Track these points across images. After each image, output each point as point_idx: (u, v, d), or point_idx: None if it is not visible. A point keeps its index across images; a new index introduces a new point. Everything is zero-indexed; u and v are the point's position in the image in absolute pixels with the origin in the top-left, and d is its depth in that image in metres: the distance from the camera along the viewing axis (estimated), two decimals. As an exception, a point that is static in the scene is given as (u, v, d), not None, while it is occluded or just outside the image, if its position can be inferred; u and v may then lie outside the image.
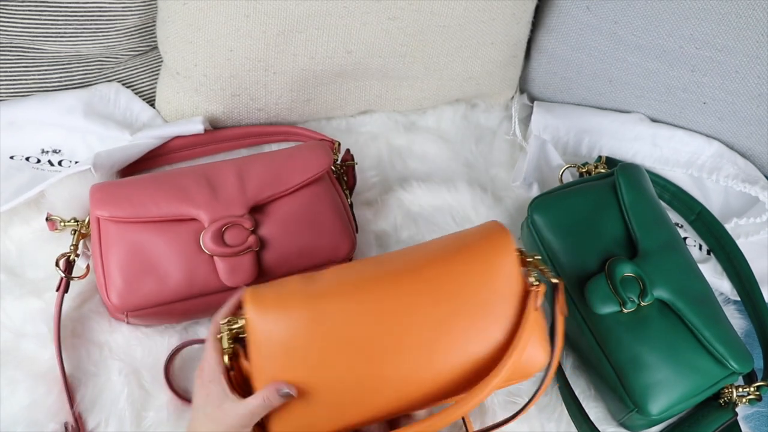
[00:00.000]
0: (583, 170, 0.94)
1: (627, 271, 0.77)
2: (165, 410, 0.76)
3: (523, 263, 0.65)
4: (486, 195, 0.95)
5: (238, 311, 0.65)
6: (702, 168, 0.99)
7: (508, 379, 0.63)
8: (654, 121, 1.02)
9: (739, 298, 0.91)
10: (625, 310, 0.76)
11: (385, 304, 0.62)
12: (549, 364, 0.66)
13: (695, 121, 1.00)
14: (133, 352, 0.78)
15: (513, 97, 1.06)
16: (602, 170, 0.92)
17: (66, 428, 0.74)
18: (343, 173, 0.89)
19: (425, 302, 0.62)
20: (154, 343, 0.79)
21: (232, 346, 0.62)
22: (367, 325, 0.61)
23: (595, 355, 0.78)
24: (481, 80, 1.01)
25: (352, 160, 0.90)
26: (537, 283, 0.64)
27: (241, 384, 0.63)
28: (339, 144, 0.90)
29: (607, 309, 0.76)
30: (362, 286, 0.62)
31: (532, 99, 1.06)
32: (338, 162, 0.90)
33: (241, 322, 0.62)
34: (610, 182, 0.86)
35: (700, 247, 0.95)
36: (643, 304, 0.76)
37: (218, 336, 0.62)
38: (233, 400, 0.59)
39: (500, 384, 0.62)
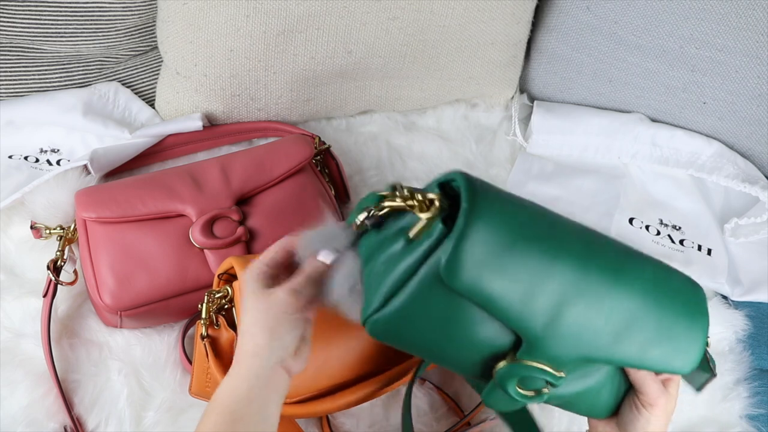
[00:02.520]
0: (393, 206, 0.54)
1: (516, 376, 0.56)
2: (165, 410, 0.76)
3: None
4: (486, 195, 0.95)
5: (220, 283, 0.70)
6: (702, 168, 0.99)
7: None
8: (654, 121, 1.02)
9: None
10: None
11: None
12: None
13: (695, 121, 1.00)
14: (132, 351, 0.78)
15: (513, 97, 1.06)
16: (428, 217, 0.52)
17: (65, 430, 0.74)
18: (324, 165, 0.91)
19: None
20: (153, 343, 0.79)
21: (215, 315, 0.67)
22: None
23: None
24: (481, 80, 1.01)
25: (325, 145, 0.92)
26: None
27: (217, 353, 0.68)
28: (318, 138, 0.92)
29: (518, 407, 0.59)
30: None
31: (532, 99, 1.06)
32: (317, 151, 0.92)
33: (223, 291, 0.67)
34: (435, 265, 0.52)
35: (699, 248, 0.94)
36: (563, 375, 0.56)
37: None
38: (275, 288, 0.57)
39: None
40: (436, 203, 0.51)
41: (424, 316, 0.53)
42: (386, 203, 0.53)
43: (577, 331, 0.54)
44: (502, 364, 0.55)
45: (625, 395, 0.62)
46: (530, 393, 0.57)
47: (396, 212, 0.54)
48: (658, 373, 0.60)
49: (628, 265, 0.56)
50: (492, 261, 0.50)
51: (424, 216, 0.50)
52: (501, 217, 0.51)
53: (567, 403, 0.62)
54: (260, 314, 0.56)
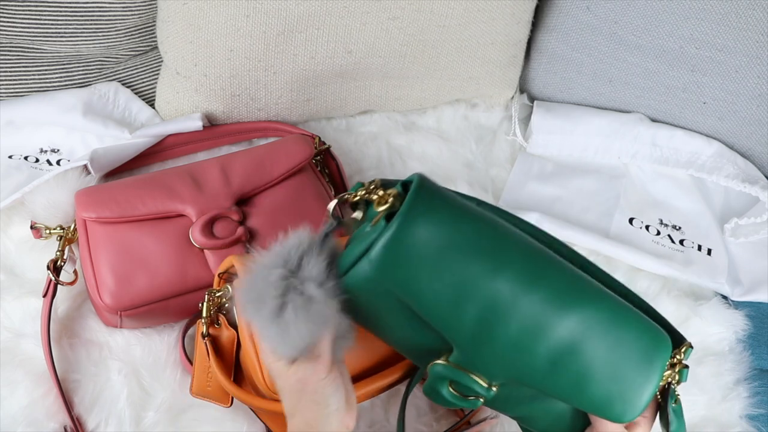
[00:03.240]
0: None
1: (447, 379, 0.57)
2: (165, 410, 0.76)
3: None
4: (487, 195, 0.95)
5: (220, 282, 0.71)
6: (702, 168, 0.99)
7: None
8: (654, 121, 1.02)
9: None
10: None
11: None
12: None
13: (695, 121, 1.00)
14: (132, 351, 0.78)
15: (513, 97, 1.06)
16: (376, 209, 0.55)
17: (65, 430, 0.74)
18: (324, 165, 0.91)
19: None
20: (153, 343, 0.79)
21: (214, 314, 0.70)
22: None
23: None
24: (481, 80, 1.01)
25: (325, 145, 0.92)
26: None
27: (218, 352, 0.70)
28: (318, 138, 0.92)
29: (461, 405, 0.59)
30: None
31: (532, 99, 1.06)
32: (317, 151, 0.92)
33: (224, 290, 0.69)
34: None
35: (699, 248, 0.94)
36: (494, 389, 0.57)
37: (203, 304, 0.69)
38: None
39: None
40: (390, 200, 0.53)
41: (367, 301, 0.55)
42: (359, 193, 0.55)
43: (509, 351, 0.54)
44: (436, 362, 0.57)
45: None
46: (463, 397, 0.57)
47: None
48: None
49: (579, 297, 0.54)
50: (422, 262, 0.52)
51: (379, 209, 0.53)
52: (440, 223, 0.53)
53: (526, 421, 0.62)
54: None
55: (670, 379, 0.57)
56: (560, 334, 0.53)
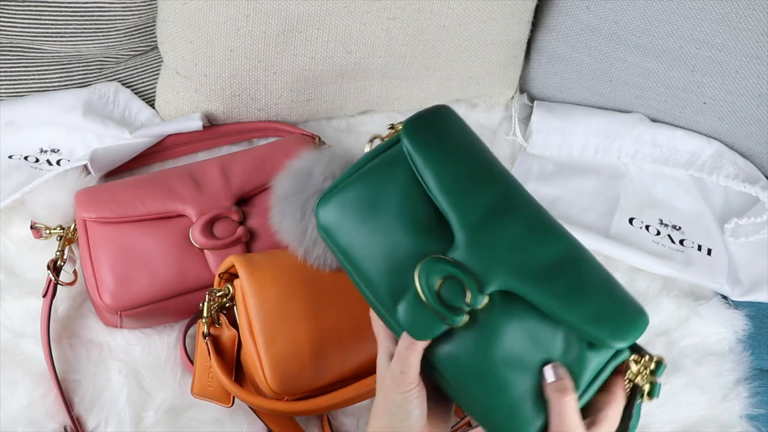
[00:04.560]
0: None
1: (440, 274, 0.54)
2: (165, 410, 0.76)
3: None
4: (486, 195, 0.95)
5: (220, 282, 0.73)
6: (702, 168, 0.99)
7: None
8: (654, 121, 1.02)
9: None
10: (457, 326, 0.55)
11: None
12: None
13: (695, 121, 1.00)
14: (132, 351, 0.78)
15: (513, 97, 1.06)
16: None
17: (65, 430, 0.74)
18: None
19: None
20: (153, 343, 0.79)
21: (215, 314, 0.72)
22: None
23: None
24: (481, 80, 1.01)
25: (325, 145, 0.92)
26: None
27: (219, 352, 0.72)
28: (318, 138, 0.92)
29: (433, 332, 0.55)
30: None
31: (532, 99, 1.06)
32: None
33: (225, 290, 0.71)
34: (400, 149, 0.60)
35: (699, 248, 0.94)
36: (478, 307, 0.54)
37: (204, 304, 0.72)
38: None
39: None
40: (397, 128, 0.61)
41: (381, 183, 0.59)
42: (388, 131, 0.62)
43: (510, 242, 0.55)
44: (433, 255, 0.55)
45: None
46: (448, 308, 0.54)
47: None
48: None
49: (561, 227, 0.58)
50: (450, 137, 0.59)
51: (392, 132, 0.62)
52: (461, 125, 0.62)
53: (479, 412, 0.56)
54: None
55: (640, 379, 0.56)
56: (563, 244, 0.56)
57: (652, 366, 0.55)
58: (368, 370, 0.71)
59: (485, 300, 0.55)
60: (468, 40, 0.94)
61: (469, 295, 0.54)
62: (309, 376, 0.69)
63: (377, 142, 0.61)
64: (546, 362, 0.54)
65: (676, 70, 0.96)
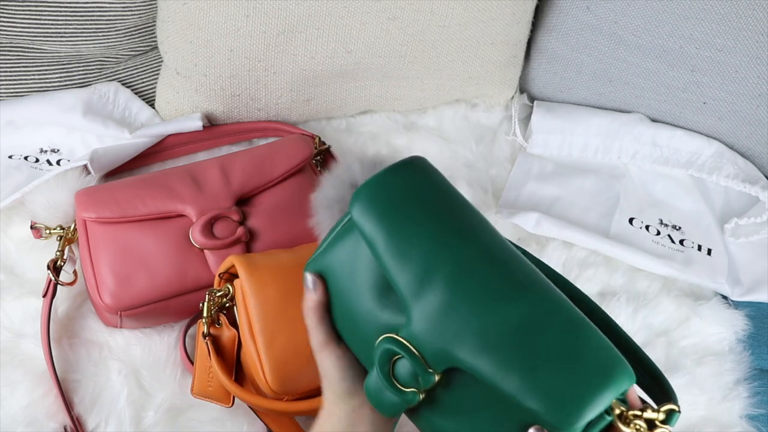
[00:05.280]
0: None
1: (391, 354, 0.52)
2: (165, 410, 0.76)
3: None
4: (487, 195, 0.95)
5: (221, 282, 0.73)
6: (702, 168, 0.99)
7: None
8: (654, 121, 1.02)
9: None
10: (420, 402, 0.52)
11: None
12: None
13: (695, 121, 1.00)
14: (132, 351, 0.78)
15: (513, 97, 1.06)
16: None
17: (65, 430, 0.74)
18: (324, 165, 0.92)
19: None
20: (153, 343, 0.79)
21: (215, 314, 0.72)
22: None
23: None
24: (481, 80, 1.01)
25: (325, 145, 0.93)
26: None
27: (219, 352, 0.72)
28: (318, 138, 0.93)
29: (397, 409, 0.52)
30: None
31: (532, 99, 1.06)
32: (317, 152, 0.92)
33: (225, 290, 0.71)
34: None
35: (699, 248, 0.94)
36: (430, 387, 0.51)
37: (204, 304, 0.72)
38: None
39: None
40: None
41: (340, 266, 0.56)
42: None
43: (459, 313, 0.49)
44: (381, 338, 0.52)
45: None
46: (399, 389, 0.51)
47: None
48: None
49: (550, 290, 0.50)
50: (388, 210, 0.52)
51: None
52: (425, 175, 0.54)
53: None
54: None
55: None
56: (524, 306, 0.49)
57: (661, 416, 0.48)
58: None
59: (436, 378, 0.50)
60: (468, 40, 0.94)
61: (418, 376, 0.50)
62: (309, 376, 0.69)
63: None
64: (526, 426, 0.48)
65: (676, 70, 0.96)
